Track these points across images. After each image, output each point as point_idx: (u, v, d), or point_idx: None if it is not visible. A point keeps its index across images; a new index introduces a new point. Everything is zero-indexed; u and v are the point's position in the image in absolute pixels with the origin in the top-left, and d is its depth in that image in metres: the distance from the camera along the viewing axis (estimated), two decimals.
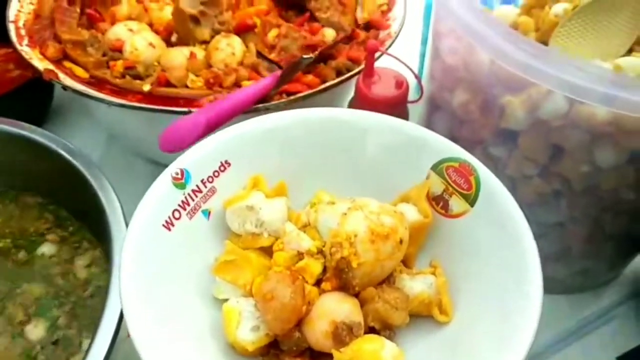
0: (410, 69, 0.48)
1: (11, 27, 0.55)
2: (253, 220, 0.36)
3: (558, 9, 0.54)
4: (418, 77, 0.49)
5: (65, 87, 0.49)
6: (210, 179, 0.37)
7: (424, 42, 0.70)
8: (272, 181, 0.39)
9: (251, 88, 0.48)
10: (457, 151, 0.36)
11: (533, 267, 0.30)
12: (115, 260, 0.40)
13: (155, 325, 0.28)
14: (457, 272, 0.34)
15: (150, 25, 0.60)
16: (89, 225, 0.49)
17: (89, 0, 0.61)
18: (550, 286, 0.55)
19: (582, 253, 0.48)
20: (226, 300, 0.33)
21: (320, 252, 0.33)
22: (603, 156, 0.39)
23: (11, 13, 0.57)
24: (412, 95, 0.50)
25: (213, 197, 0.37)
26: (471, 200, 0.35)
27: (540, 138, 0.40)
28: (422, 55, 0.71)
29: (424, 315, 0.34)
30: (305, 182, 0.39)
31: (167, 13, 0.59)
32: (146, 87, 0.50)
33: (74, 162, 0.46)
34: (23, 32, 0.56)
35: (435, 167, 0.37)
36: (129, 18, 0.60)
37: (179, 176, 0.35)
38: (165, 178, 0.35)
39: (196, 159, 0.36)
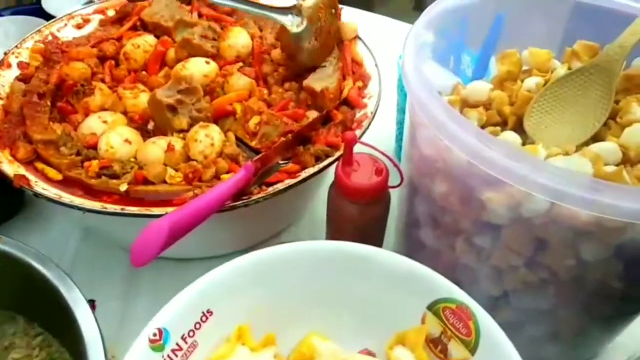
0: (389, 158, 0.48)
1: None
2: None
3: (530, 83, 0.55)
4: (397, 166, 0.48)
5: (36, 195, 0.48)
6: (191, 333, 0.34)
7: (400, 110, 0.71)
8: (258, 324, 0.36)
9: (224, 185, 0.47)
10: (454, 291, 0.34)
11: None
12: None
13: None
14: None
15: (125, 113, 0.59)
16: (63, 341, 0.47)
17: (60, 92, 0.60)
18: None
19: (572, 333, 0.48)
20: None
21: None
22: (588, 251, 0.39)
23: None
24: (392, 179, 0.50)
25: (194, 352, 0.34)
26: (471, 348, 0.33)
27: (523, 232, 0.40)
28: (399, 123, 0.72)
29: None
30: (296, 321, 0.37)
31: (142, 100, 0.59)
32: (123, 187, 0.49)
33: (46, 273, 0.44)
34: None
35: (431, 307, 0.35)
36: (103, 108, 0.59)
37: (157, 337, 0.33)
38: (141, 342, 0.32)
39: (175, 313, 0.34)
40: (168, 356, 0.33)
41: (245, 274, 0.36)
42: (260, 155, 0.51)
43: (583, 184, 0.34)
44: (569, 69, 0.55)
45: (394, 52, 0.69)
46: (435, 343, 0.33)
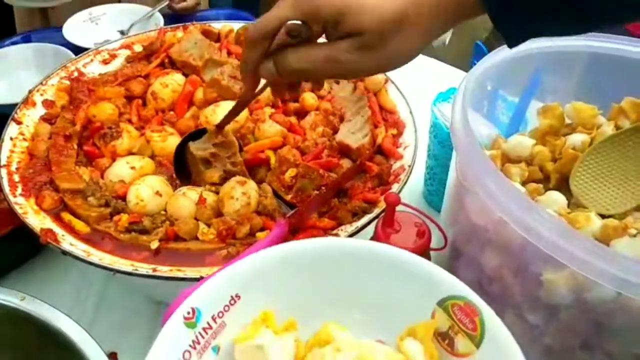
0: (435, 223, 0.46)
1: (3, 174, 0.52)
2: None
3: (576, 140, 0.53)
4: (443, 231, 0.46)
5: (64, 252, 0.45)
6: (220, 314, 0.37)
7: (432, 156, 0.69)
8: (281, 311, 0.39)
9: (259, 245, 0.45)
10: (462, 290, 0.37)
11: None
12: None
13: None
14: None
15: (153, 157, 0.57)
16: None
17: (86, 134, 0.58)
18: None
19: None
20: None
21: None
22: None
23: (3, 155, 0.54)
24: (434, 241, 0.48)
25: (223, 332, 0.37)
26: (476, 342, 0.35)
27: (584, 316, 0.38)
28: (430, 168, 0.70)
29: None
30: (315, 312, 0.40)
31: (170, 143, 0.57)
32: (154, 245, 0.47)
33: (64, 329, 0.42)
34: (16, 177, 0.52)
35: (441, 303, 0.37)
36: (130, 152, 0.57)
37: (191, 315, 0.35)
38: (176, 318, 0.35)
39: (207, 295, 0.36)
40: (199, 333, 0.36)
41: (273, 264, 0.39)
42: (295, 211, 0.50)
43: None
44: (616, 126, 0.53)
45: (425, 92, 0.68)
46: (443, 336, 0.36)
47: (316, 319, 0.40)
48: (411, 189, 0.68)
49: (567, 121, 0.57)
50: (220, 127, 0.53)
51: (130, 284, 0.58)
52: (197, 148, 0.51)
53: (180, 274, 0.44)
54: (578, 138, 0.53)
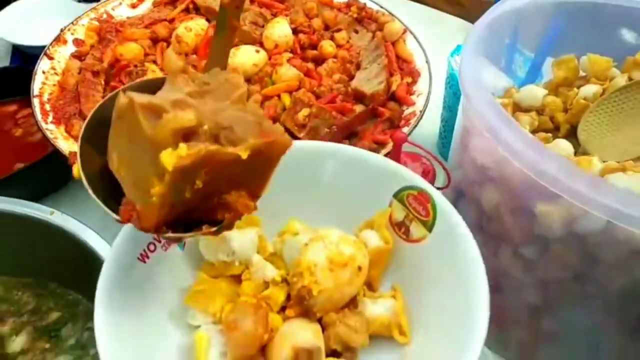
0: (439, 162, 0.47)
1: (36, 103, 0.56)
2: (225, 250, 0.38)
3: (587, 91, 0.53)
4: (447, 170, 0.48)
5: None
6: None
7: (447, 108, 0.70)
8: None
9: None
10: (416, 180, 0.39)
11: (481, 293, 0.32)
12: None
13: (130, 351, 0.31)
14: (416, 294, 0.37)
15: None
16: None
17: (113, 73, 0.61)
18: None
19: (612, 350, 0.47)
20: (199, 326, 0.36)
21: (285, 280, 0.36)
22: None
23: (36, 87, 0.57)
24: (438, 180, 0.49)
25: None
26: (429, 226, 0.38)
27: (575, 248, 0.39)
28: (445, 120, 0.71)
29: (385, 336, 0.36)
30: (279, 211, 0.41)
31: None
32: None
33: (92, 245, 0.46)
34: (48, 107, 0.56)
35: (396, 195, 0.39)
36: None
37: None
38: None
39: None
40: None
41: None
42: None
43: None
44: (630, 79, 0.53)
45: (443, 45, 0.68)
46: (399, 226, 0.39)
47: (280, 218, 0.41)
48: (426, 141, 0.69)
49: (582, 74, 0.57)
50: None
51: None
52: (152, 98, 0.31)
53: None
54: (590, 89, 0.53)
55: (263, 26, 0.66)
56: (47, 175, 0.60)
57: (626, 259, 0.38)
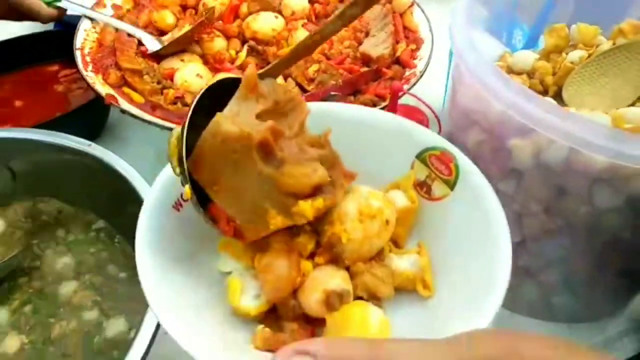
0: (430, 108, 0.53)
1: (78, 54, 0.63)
2: None
3: (574, 56, 0.58)
4: (437, 116, 0.53)
5: (123, 111, 0.56)
6: None
7: (449, 76, 0.75)
8: None
9: None
10: (439, 141, 0.40)
11: (503, 246, 0.33)
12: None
13: (170, 293, 0.32)
14: (440, 250, 0.37)
15: (203, 56, 0.66)
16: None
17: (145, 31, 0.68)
18: (555, 314, 0.59)
19: (585, 285, 0.52)
20: (229, 272, 0.36)
21: (314, 230, 0.36)
22: (601, 199, 0.42)
23: (78, 41, 0.65)
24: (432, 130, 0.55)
25: None
26: (451, 185, 0.38)
27: (544, 178, 0.44)
28: (447, 88, 0.76)
29: (409, 290, 0.37)
30: None
31: (216, 44, 0.66)
32: None
33: (128, 177, 0.52)
34: (88, 59, 0.63)
35: (419, 156, 0.40)
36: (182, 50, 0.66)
37: None
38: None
39: None
40: None
41: None
42: (310, 94, 0.57)
43: (600, 132, 0.38)
44: (614, 45, 0.58)
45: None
46: (421, 186, 0.39)
47: None
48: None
49: (572, 43, 0.62)
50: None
51: None
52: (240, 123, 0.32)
53: None
54: (577, 54, 0.58)
55: None
56: (85, 121, 0.68)
57: (587, 188, 0.42)
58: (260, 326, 0.34)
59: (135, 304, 0.48)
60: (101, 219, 0.57)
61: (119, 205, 0.53)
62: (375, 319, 0.32)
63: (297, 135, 0.34)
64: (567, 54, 0.60)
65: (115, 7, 0.71)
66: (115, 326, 0.48)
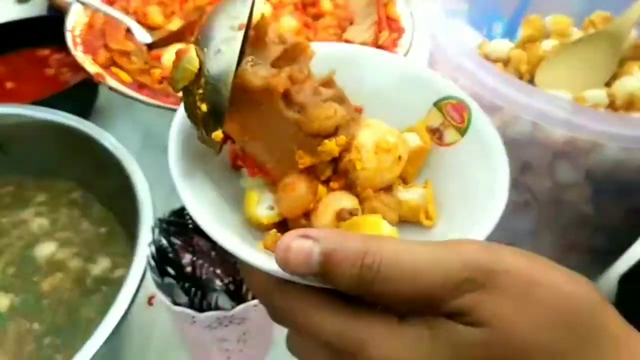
0: None
1: (68, 36, 0.65)
2: None
3: (547, 45, 0.61)
4: None
5: (111, 88, 0.58)
6: None
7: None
8: None
9: None
10: (457, 91, 0.41)
11: (501, 186, 0.35)
12: (138, 250, 0.46)
13: (196, 190, 0.33)
14: (445, 188, 0.39)
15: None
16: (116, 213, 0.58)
17: (135, 18, 0.70)
18: None
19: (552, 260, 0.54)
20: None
21: (334, 159, 0.36)
22: (562, 173, 0.45)
23: (69, 23, 0.67)
24: None
25: None
26: (462, 132, 0.40)
27: (510, 154, 0.46)
28: None
29: (413, 222, 0.38)
30: None
31: None
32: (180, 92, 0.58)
33: (115, 152, 0.54)
34: (78, 40, 0.65)
35: (437, 103, 0.41)
36: None
37: None
38: None
39: None
40: None
41: None
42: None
43: (560, 107, 0.41)
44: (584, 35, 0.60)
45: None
46: (433, 131, 0.41)
47: None
48: None
49: (547, 33, 0.65)
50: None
51: (162, 142, 0.70)
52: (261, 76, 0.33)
53: None
54: (549, 43, 0.61)
55: None
56: (74, 102, 0.69)
57: (549, 162, 0.45)
58: (273, 230, 0.35)
59: (117, 248, 0.51)
60: (81, 189, 0.59)
61: (102, 176, 0.55)
62: (386, 228, 0.34)
63: (308, 77, 0.35)
64: (540, 43, 0.63)
65: None
66: (100, 266, 0.51)
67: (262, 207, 0.36)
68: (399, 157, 0.38)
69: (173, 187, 0.38)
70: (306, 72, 0.35)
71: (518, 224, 0.51)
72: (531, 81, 0.59)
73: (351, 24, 0.72)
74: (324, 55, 0.39)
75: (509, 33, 0.71)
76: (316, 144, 0.33)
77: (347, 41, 0.68)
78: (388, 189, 0.39)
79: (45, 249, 0.53)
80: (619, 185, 0.45)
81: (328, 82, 0.36)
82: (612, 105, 0.49)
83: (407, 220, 0.39)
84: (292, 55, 0.35)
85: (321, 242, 0.24)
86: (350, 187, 0.37)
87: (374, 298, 0.24)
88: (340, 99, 0.36)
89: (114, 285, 0.41)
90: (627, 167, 0.43)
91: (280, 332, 0.51)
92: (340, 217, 0.35)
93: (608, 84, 0.55)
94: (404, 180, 0.41)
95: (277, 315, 0.27)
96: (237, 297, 0.42)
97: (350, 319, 0.24)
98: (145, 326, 0.54)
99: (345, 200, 0.36)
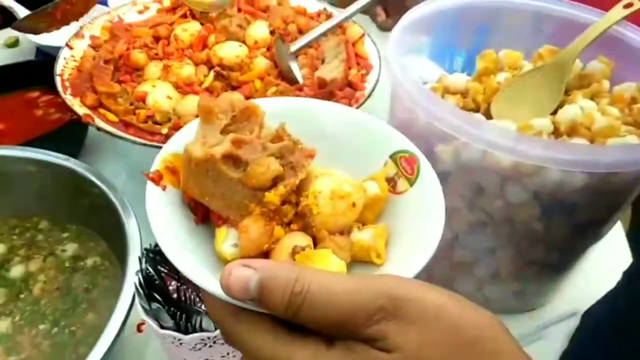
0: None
1: (58, 80, 0.69)
2: None
3: (500, 77, 0.66)
4: None
5: (99, 129, 0.62)
6: None
7: None
8: None
9: None
10: (409, 146, 0.46)
11: (434, 233, 0.38)
12: (127, 280, 0.50)
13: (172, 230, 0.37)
14: (395, 232, 0.43)
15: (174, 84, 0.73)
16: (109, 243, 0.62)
17: (120, 65, 0.75)
18: (490, 306, 0.65)
19: (511, 276, 0.58)
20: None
21: (296, 202, 0.41)
22: (512, 194, 0.50)
23: (58, 68, 0.71)
24: None
25: None
26: (412, 182, 0.44)
27: (464, 178, 0.51)
28: None
29: (365, 261, 0.42)
30: None
31: (186, 70, 0.73)
32: (164, 130, 0.63)
33: (105, 189, 0.58)
34: (67, 83, 0.69)
35: (392, 156, 0.46)
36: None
37: None
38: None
39: None
40: None
41: None
42: None
43: (505, 135, 0.46)
44: (533, 67, 0.66)
45: None
46: (389, 181, 0.45)
47: None
48: None
49: (501, 67, 0.70)
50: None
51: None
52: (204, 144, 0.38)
53: None
54: (502, 75, 0.66)
55: (246, 28, 0.80)
56: (63, 142, 0.73)
57: (499, 185, 0.50)
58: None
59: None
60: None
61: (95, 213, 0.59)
62: (335, 261, 0.38)
63: (258, 135, 0.40)
64: (495, 76, 0.68)
65: (93, 37, 0.78)
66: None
67: (227, 244, 0.39)
68: (353, 204, 0.42)
69: None
70: (257, 130, 0.40)
71: (478, 243, 0.56)
72: (487, 110, 0.65)
73: (323, 62, 0.77)
74: (282, 109, 0.44)
75: (468, 66, 0.77)
76: (261, 196, 0.38)
77: (319, 78, 0.73)
78: (345, 231, 0.42)
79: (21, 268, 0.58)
80: (563, 204, 0.50)
81: (277, 136, 0.40)
82: (556, 132, 0.55)
83: (361, 259, 0.42)
84: (243, 117, 0.40)
85: (259, 271, 0.27)
86: (307, 229, 0.40)
87: (302, 322, 0.27)
88: (290, 149, 0.40)
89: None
90: (569, 188, 0.48)
91: None
92: (294, 252, 0.38)
93: (555, 111, 0.61)
94: (364, 224, 0.45)
95: (229, 338, 0.30)
96: None
97: (285, 342, 0.27)
98: (136, 352, 0.57)
99: (300, 239, 0.39)
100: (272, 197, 0.38)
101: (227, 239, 0.40)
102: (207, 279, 0.31)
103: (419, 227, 0.41)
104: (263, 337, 0.28)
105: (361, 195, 0.43)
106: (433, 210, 0.41)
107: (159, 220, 0.36)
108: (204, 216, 0.40)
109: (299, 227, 0.41)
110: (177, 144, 0.40)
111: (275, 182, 0.39)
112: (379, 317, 0.26)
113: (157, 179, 0.38)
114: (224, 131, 0.39)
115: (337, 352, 0.27)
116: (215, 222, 0.39)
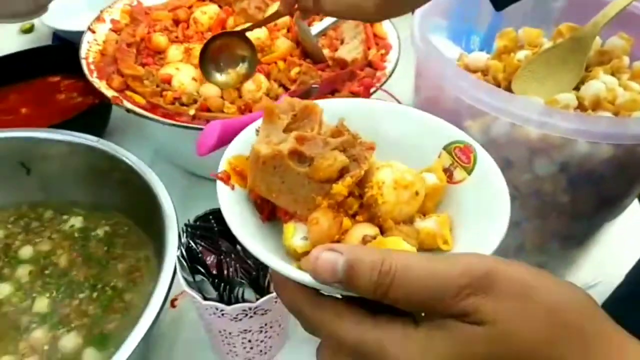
0: (397, 100, 0.61)
1: (83, 63, 0.70)
2: None
3: (521, 55, 0.67)
4: None
5: (128, 110, 0.63)
6: None
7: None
8: None
9: None
10: (463, 136, 0.46)
11: (504, 214, 0.39)
12: (167, 254, 0.51)
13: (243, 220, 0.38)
14: (457, 220, 0.43)
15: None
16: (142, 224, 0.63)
17: (142, 48, 0.76)
18: None
19: (536, 248, 0.60)
20: None
21: (360, 195, 0.41)
22: (540, 167, 0.51)
23: (82, 51, 0.72)
24: None
25: None
26: (469, 171, 0.45)
27: (493, 153, 0.52)
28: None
29: (432, 248, 0.42)
30: None
31: None
32: (191, 112, 0.64)
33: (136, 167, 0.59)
34: (92, 67, 0.70)
35: (446, 147, 0.47)
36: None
37: None
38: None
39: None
40: None
41: None
42: (292, 91, 0.65)
43: (533, 109, 0.47)
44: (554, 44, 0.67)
45: None
46: (445, 171, 0.45)
47: None
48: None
49: (520, 44, 0.71)
50: (244, 31, 0.68)
51: (173, 158, 0.75)
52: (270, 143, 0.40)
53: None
54: (523, 53, 0.67)
55: (265, 10, 0.81)
56: (88, 124, 0.74)
57: (527, 158, 0.51)
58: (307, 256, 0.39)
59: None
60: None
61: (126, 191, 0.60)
62: (407, 248, 0.38)
63: (319, 132, 0.41)
64: (515, 54, 0.69)
65: (113, 21, 0.79)
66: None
67: (297, 237, 0.40)
68: (416, 193, 0.42)
69: (182, 197, 0.42)
70: (316, 128, 0.41)
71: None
72: (508, 88, 0.66)
73: (342, 42, 0.78)
74: (338, 108, 0.44)
75: (485, 46, 0.78)
76: (328, 188, 0.39)
77: (338, 59, 0.74)
78: (408, 221, 0.43)
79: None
80: (590, 176, 0.51)
81: (337, 131, 0.41)
82: (581, 107, 0.56)
83: (427, 247, 0.43)
84: (303, 116, 0.42)
85: (345, 254, 0.28)
86: (373, 219, 0.41)
87: (391, 301, 0.26)
88: (351, 143, 0.41)
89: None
90: (596, 159, 0.50)
91: (294, 331, 0.56)
92: (365, 241, 0.39)
93: (577, 88, 0.62)
94: (424, 214, 0.45)
95: (309, 326, 0.30)
96: (260, 290, 0.47)
97: (371, 325, 0.27)
98: (171, 326, 0.59)
99: (367, 230, 0.40)
100: (340, 187, 0.39)
101: (296, 233, 0.40)
102: (290, 268, 0.32)
103: (484, 210, 0.42)
104: (345, 322, 0.28)
105: (422, 185, 0.44)
106: (497, 192, 0.41)
107: (233, 217, 0.37)
108: (269, 214, 0.42)
109: (365, 218, 0.41)
110: (238, 146, 0.42)
111: (341, 174, 0.40)
112: (468, 292, 0.25)
113: (226, 179, 0.39)
114: (286, 130, 0.40)
115: (427, 330, 0.26)
116: (283, 218, 0.41)
